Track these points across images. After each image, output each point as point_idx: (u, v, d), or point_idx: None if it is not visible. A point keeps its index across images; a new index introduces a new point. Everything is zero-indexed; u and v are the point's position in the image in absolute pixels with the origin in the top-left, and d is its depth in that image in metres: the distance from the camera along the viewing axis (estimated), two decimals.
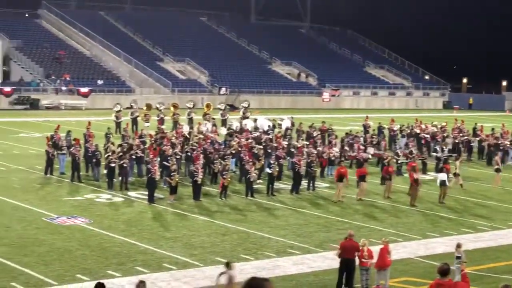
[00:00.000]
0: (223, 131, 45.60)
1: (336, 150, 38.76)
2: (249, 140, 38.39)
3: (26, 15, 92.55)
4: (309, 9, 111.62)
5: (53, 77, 76.41)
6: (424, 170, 38.64)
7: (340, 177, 30.98)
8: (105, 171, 33.31)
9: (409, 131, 47.73)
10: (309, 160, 33.90)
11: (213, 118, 49.10)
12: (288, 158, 37.45)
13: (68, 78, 76.60)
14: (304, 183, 33.48)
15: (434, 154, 41.26)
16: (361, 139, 42.59)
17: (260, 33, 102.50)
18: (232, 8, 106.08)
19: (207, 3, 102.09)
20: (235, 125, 46.38)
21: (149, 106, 54.09)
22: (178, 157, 34.57)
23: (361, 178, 31.64)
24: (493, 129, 49.25)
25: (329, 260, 21.19)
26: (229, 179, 31.15)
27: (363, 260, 19.04)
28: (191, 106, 53.85)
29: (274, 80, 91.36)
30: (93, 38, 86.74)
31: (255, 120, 49.55)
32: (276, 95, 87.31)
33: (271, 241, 24.03)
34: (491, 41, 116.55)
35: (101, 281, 15.35)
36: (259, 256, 22.19)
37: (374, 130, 46.80)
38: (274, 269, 21.00)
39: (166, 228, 25.36)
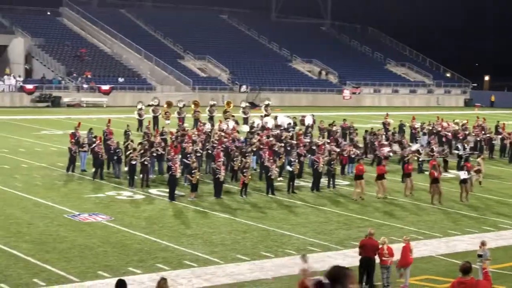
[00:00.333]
0: (245, 128, 45.64)
1: (357, 147, 38.67)
2: (270, 138, 38.39)
3: (48, 13, 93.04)
4: (330, 7, 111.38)
5: (74, 74, 76.80)
6: (446, 168, 38.46)
7: (359, 175, 30.92)
8: (126, 169, 33.48)
9: (430, 128, 47.57)
10: (329, 158, 33.88)
11: (233, 116, 49.16)
12: (309, 155, 37.43)
13: (89, 76, 77.01)
14: (324, 180, 33.46)
15: (456, 152, 41.06)
16: (383, 137, 42.47)
17: (280, 30, 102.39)
18: (253, 6, 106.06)
19: (228, 1, 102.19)
20: (257, 122, 46.41)
21: (169, 104, 54.22)
22: (199, 154, 34.65)
23: (381, 176, 31.49)
24: None
25: (350, 258, 21.13)
26: (249, 177, 31.16)
27: (383, 258, 19.00)
28: (213, 104, 54.10)
29: (295, 77, 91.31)
30: (114, 36, 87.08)
31: (275, 118, 49.56)
32: (297, 93, 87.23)
33: (292, 239, 24.01)
34: None
35: (122, 278, 15.41)
36: (280, 254, 22.19)
37: (395, 128, 46.62)
38: (295, 266, 20.98)
39: (187, 226, 25.41)
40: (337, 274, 7.90)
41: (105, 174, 33.94)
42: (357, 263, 19.25)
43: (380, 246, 19.05)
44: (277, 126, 45.17)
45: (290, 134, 41.43)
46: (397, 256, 19.32)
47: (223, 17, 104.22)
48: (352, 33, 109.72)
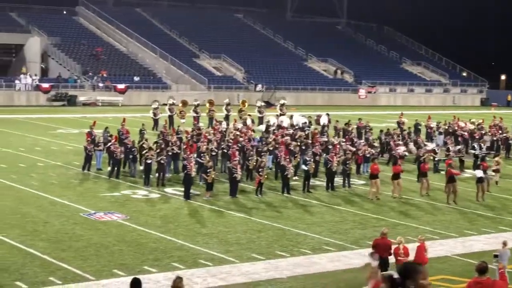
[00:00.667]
0: (260, 127, 45.62)
1: (373, 146, 38.58)
2: (286, 137, 38.35)
3: (64, 12, 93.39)
4: (346, 6, 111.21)
5: (90, 73, 77.00)
6: (462, 168, 38.29)
7: (374, 174, 30.84)
8: (141, 167, 33.55)
9: (446, 127, 47.42)
10: (345, 157, 33.82)
11: (249, 115, 49.17)
12: (324, 154, 37.38)
13: (105, 75, 77.18)
14: (339, 180, 33.40)
15: (472, 151, 40.88)
16: (400, 136, 42.34)
17: (296, 29, 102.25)
18: (268, 5, 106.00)
19: (243, 0, 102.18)
20: (272, 121, 46.40)
21: (184, 103, 54.26)
22: (214, 153, 34.66)
23: (396, 175, 31.36)
24: None
25: (366, 257, 21.06)
26: (265, 176, 31.14)
27: (398, 258, 18.93)
28: (228, 103, 54.18)
29: (310, 76, 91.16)
30: (129, 35, 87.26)
31: (291, 117, 49.53)
32: (312, 92, 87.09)
33: (307, 238, 23.99)
34: None
35: (137, 276, 15.40)
36: (295, 253, 22.17)
37: (409, 128, 46.49)
38: (310, 265, 20.98)
39: (202, 225, 25.43)
40: (408, 270, 8.19)
41: (121, 173, 34.01)
42: None
43: (396, 246, 18.98)
44: (292, 126, 45.14)
45: (305, 134, 41.37)
46: (412, 256, 19.24)
47: (238, 16, 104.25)
48: (367, 32, 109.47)
